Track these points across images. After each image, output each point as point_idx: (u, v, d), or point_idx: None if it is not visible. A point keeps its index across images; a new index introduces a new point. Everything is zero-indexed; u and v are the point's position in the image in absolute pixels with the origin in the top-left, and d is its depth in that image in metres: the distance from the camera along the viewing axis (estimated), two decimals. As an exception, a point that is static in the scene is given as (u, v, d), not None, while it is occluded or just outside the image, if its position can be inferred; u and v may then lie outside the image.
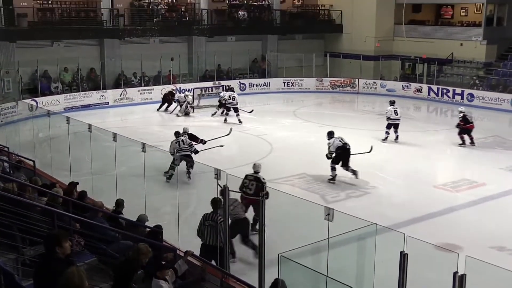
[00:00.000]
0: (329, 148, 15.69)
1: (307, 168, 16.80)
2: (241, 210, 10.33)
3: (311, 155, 18.54)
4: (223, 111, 23.47)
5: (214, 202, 9.37)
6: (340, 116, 25.18)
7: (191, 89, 26.71)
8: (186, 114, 24.32)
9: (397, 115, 19.94)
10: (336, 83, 31.68)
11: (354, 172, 15.50)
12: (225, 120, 22.99)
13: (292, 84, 31.47)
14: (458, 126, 19.78)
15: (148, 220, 9.62)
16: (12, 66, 24.56)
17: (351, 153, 15.51)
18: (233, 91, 23.70)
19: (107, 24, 27.15)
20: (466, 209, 13.93)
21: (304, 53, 32.25)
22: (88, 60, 26.97)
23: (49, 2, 26.42)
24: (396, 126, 19.98)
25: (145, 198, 11.22)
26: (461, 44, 30.86)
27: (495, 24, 31.45)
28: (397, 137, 20.08)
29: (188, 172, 14.83)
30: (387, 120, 20.09)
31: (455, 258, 6.22)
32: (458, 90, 28.42)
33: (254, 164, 12.27)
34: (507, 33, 31.44)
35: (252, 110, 23.92)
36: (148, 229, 9.26)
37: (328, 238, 7.32)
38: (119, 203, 10.00)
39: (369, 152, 16.33)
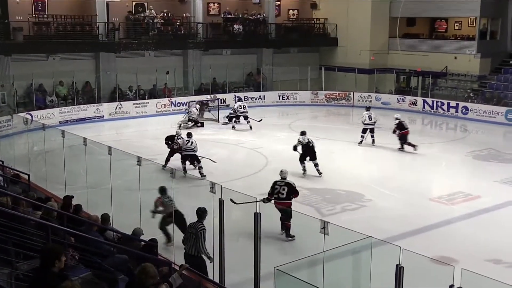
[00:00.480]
0: (298, 140, 17.69)
1: (302, 181, 16.79)
2: None
3: (307, 168, 18.55)
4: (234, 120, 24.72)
5: (199, 212, 9.61)
6: (335, 129, 25.23)
7: (194, 101, 26.78)
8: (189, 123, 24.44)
9: (371, 120, 21.23)
10: (331, 96, 31.77)
11: (319, 172, 17.32)
12: (233, 127, 24.35)
13: (287, 97, 31.55)
14: (394, 132, 20.68)
15: (143, 234, 9.59)
16: (7, 80, 24.56)
17: (315, 150, 17.52)
18: (242, 101, 25.79)
19: (103, 37, 27.20)
20: (462, 222, 13.94)
21: (299, 66, 32.36)
22: (84, 73, 26.98)
23: (45, 16, 26.49)
24: (372, 130, 21.27)
25: (140, 212, 11.19)
26: (455, 58, 31.04)
27: (488, 38, 31.68)
28: (373, 141, 21.29)
29: (200, 173, 16.48)
30: (363, 125, 21.31)
31: (451, 271, 6.22)
32: (453, 103, 28.54)
33: (281, 171, 12.98)
34: (501, 46, 31.71)
35: (261, 119, 25.20)
36: (143, 243, 9.22)
37: (323, 251, 7.32)
38: (105, 218, 9.90)
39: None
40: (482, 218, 14.20)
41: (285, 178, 12.76)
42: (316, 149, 17.54)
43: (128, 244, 9.00)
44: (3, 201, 8.32)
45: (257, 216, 8.15)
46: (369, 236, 7.37)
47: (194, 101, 26.20)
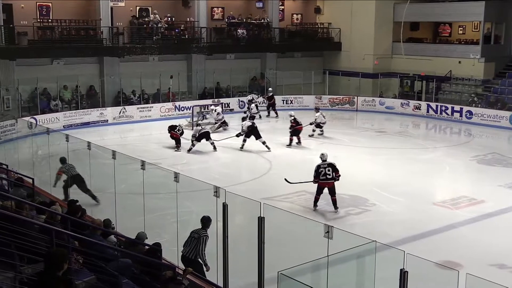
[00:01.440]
0: (242, 128, 21.21)
1: (306, 185, 16.74)
2: None
3: (311, 173, 18.49)
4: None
5: (203, 220, 9.77)
6: (339, 133, 25.18)
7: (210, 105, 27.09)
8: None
9: (325, 118, 23.87)
10: (335, 100, 31.75)
11: (267, 146, 20.81)
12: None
13: (291, 102, 31.54)
14: (291, 127, 22.03)
15: (147, 238, 9.58)
16: (11, 84, 24.64)
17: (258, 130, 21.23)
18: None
19: (107, 42, 27.27)
20: (466, 227, 13.90)
21: (303, 71, 32.35)
22: (88, 78, 27.06)
23: (49, 20, 26.59)
24: (321, 126, 23.70)
25: (144, 216, 11.20)
26: (459, 62, 30.99)
27: (492, 42, 31.62)
28: (322, 131, 23.88)
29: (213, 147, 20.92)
30: (320, 123, 23.61)
31: (456, 276, 6.20)
32: (457, 107, 28.49)
33: (322, 154, 14.76)
34: (505, 50, 31.68)
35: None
36: (147, 247, 9.21)
37: (327, 255, 7.30)
38: (107, 224, 9.89)
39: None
40: (486, 223, 14.16)
41: (326, 160, 14.44)
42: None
43: (132, 248, 8.99)
44: (7, 205, 8.33)
45: (261, 220, 8.15)
46: (373, 241, 7.35)
47: (213, 104, 26.58)
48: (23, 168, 15.97)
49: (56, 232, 6.98)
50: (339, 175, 14.30)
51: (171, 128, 21.68)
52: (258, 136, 21.23)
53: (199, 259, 9.53)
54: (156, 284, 7.90)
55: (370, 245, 7.43)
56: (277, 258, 9.45)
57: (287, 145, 21.95)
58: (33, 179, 12.88)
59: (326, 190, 14.48)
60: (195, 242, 9.54)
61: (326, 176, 14.17)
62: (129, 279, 7.72)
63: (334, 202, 14.35)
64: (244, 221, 12.38)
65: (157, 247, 9.12)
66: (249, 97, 28.60)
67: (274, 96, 29.51)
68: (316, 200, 14.54)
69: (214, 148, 21.09)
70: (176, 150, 21.16)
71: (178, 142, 21.40)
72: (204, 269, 9.49)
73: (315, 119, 23.66)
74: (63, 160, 14.61)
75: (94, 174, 14.39)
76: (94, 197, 14.20)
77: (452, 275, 6.17)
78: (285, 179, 15.11)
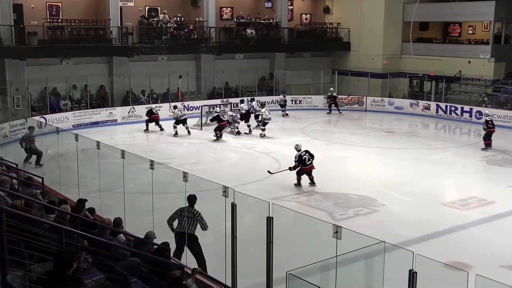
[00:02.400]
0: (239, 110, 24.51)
1: (315, 186, 16.76)
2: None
3: (319, 173, 18.50)
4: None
5: (190, 198, 10.80)
6: (348, 133, 25.16)
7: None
8: (238, 133, 24.32)
9: (270, 114, 24.25)
10: (344, 100, 31.69)
11: (250, 131, 23.92)
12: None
13: (300, 102, 31.52)
14: (147, 115, 24.11)
15: (156, 237, 9.60)
16: (21, 84, 24.76)
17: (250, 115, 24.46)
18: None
19: (116, 42, 27.36)
20: (476, 227, 13.83)
21: (312, 70, 32.35)
22: (97, 77, 27.15)
23: (59, 20, 26.70)
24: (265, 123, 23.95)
25: (153, 216, 11.22)
26: (469, 62, 30.86)
27: (503, 42, 31.48)
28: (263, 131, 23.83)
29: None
30: (264, 119, 23.73)
31: (465, 277, 6.17)
32: (467, 108, 28.37)
33: (297, 144, 16.85)
34: (515, 50, 31.48)
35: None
36: (155, 247, 9.23)
37: (336, 256, 7.29)
38: (117, 223, 9.91)
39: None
40: (496, 224, 14.09)
41: (301, 150, 16.57)
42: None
43: (141, 247, 9.01)
44: (17, 204, 8.37)
45: (269, 220, 8.14)
46: (382, 241, 7.33)
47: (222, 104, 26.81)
48: (33, 167, 16.06)
49: (65, 231, 7.01)
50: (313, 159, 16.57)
51: (150, 113, 24.31)
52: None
53: (195, 233, 10.61)
54: (164, 283, 7.92)
55: (379, 246, 7.41)
56: (285, 258, 9.45)
57: (214, 140, 22.73)
58: (42, 178, 12.95)
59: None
60: (191, 221, 10.60)
61: (309, 161, 16.38)
62: (138, 279, 7.74)
63: (312, 180, 16.57)
64: (252, 221, 12.37)
65: (165, 247, 9.14)
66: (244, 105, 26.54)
67: (337, 96, 30.37)
68: (299, 180, 16.54)
69: (188, 132, 23.88)
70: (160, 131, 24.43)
71: (158, 124, 24.51)
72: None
73: (261, 115, 23.91)
74: (31, 128, 18.90)
75: (103, 174, 14.42)
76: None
77: (461, 276, 6.14)
78: (268, 171, 16.77)
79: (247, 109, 25.36)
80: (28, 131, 19.27)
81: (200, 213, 10.68)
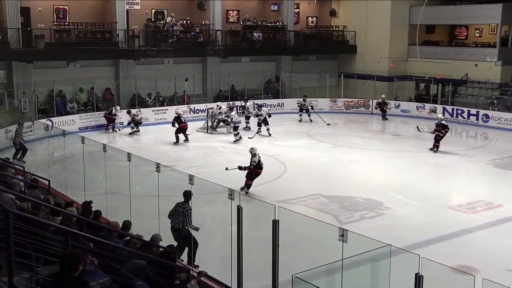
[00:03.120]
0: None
1: (321, 188, 16.75)
2: None
3: (325, 176, 18.52)
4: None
5: (186, 193, 11.07)
6: (354, 136, 25.12)
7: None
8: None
9: (239, 118, 24.03)
10: (350, 103, 31.66)
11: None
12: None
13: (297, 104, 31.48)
14: (173, 125, 22.96)
15: (161, 240, 9.61)
16: (28, 86, 24.86)
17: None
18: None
19: (123, 45, 27.44)
20: (482, 231, 13.78)
21: (318, 73, 32.33)
22: (103, 80, 27.23)
23: (66, 23, 26.81)
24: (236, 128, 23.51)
25: (159, 218, 11.24)
26: (476, 65, 30.77)
27: (510, 45, 31.32)
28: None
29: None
30: (234, 123, 23.38)
31: (472, 281, 6.15)
32: (473, 111, 28.28)
33: (252, 148, 16.42)
34: (522, 54, 31.36)
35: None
36: (161, 249, 9.24)
37: (342, 259, 7.27)
38: (126, 225, 9.94)
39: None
40: (503, 227, 14.03)
41: (256, 154, 16.28)
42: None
43: (147, 250, 9.02)
44: (23, 206, 8.39)
45: (275, 223, 8.13)
46: (388, 244, 7.31)
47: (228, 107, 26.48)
48: (39, 169, 16.12)
49: (72, 233, 7.03)
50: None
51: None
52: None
53: (187, 227, 10.96)
54: (169, 286, 7.92)
55: (385, 249, 7.40)
56: (291, 261, 9.43)
57: (174, 143, 22.71)
58: (49, 181, 12.99)
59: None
60: (182, 215, 10.94)
61: (261, 165, 16.27)
62: (143, 281, 7.74)
63: (248, 186, 16.22)
64: (258, 224, 12.36)
65: (171, 249, 9.15)
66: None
67: (387, 102, 29.65)
68: (249, 186, 16.07)
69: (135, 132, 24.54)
70: (109, 131, 24.99)
71: (111, 122, 24.94)
72: (193, 232, 10.89)
73: (231, 119, 23.57)
74: (20, 125, 19.77)
75: (109, 176, 14.45)
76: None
77: (468, 280, 6.12)
78: (226, 168, 16.47)
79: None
80: (18, 126, 19.99)
81: (190, 208, 10.96)
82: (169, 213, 11.26)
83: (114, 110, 25.20)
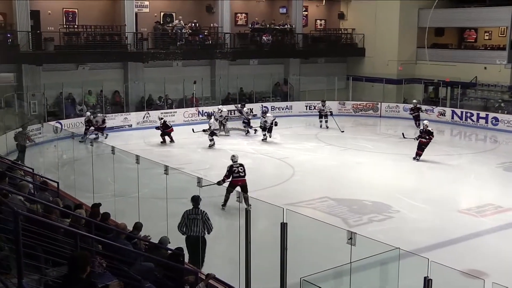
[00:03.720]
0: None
1: (329, 191, 16.72)
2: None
3: (333, 179, 18.49)
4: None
5: (194, 199, 10.84)
6: (363, 139, 25.06)
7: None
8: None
9: (217, 125, 24.26)
10: (358, 106, 31.61)
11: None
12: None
13: (315, 108, 31.38)
14: (158, 128, 23.68)
15: (170, 243, 9.62)
16: (38, 89, 25.01)
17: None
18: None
19: (131, 47, 27.52)
20: (492, 235, 13.70)
21: (326, 76, 32.27)
22: (112, 83, 27.33)
23: (75, 26, 26.94)
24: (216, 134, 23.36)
25: (167, 221, 11.25)
26: (485, 68, 30.63)
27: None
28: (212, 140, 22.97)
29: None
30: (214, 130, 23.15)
31: (481, 285, 6.11)
32: (482, 114, 28.16)
33: (234, 155, 15.56)
34: (532, 56, 31.21)
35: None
36: (169, 252, 9.25)
37: (350, 262, 7.26)
38: (137, 227, 9.96)
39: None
40: (513, 231, 13.94)
41: (237, 161, 15.38)
42: None
43: (155, 252, 9.04)
44: (33, 208, 8.43)
45: (283, 226, 8.13)
46: (397, 248, 7.29)
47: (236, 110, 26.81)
48: (48, 172, 16.18)
49: (80, 235, 7.05)
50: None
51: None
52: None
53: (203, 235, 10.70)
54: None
55: (394, 252, 7.37)
56: (299, 264, 9.42)
57: (161, 142, 23.47)
58: (58, 183, 13.04)
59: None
60: (200, 222, 10.62)
61: (239, 174, 15.08)
62: (152, 283, 7.75)
63: (246, 199, 14.29)
64: (266, 227, 12.35)
65: (179, 252, 9.16)
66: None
67: (420, 107, 28.14)
68: (227, 199, 14.66)
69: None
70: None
71: (170, 136, 23.76)
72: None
73: (210, 126, 22.87)
74: (24, 127, 19.68)
75: (118, 179, 14.49)
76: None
77: (477, 284, 6.09)
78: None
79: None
80: (22, 129, 19.86)
81: (206, 213, 10.76)
82: (179, 225, 10.86)
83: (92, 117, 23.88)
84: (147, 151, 21.03)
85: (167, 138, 23.59)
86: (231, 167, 15.18)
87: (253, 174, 19.15)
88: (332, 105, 31.15)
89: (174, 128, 24.33)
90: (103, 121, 24.21)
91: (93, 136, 23.25)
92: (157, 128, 23.92)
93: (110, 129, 25.57)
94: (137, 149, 20.04)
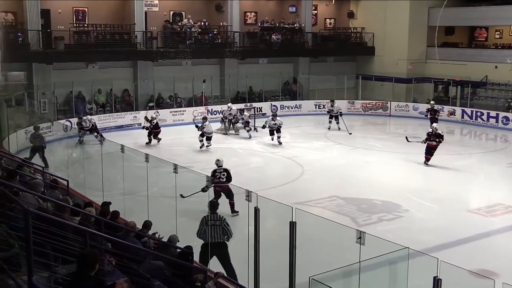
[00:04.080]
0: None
1: (338, 190, 16.70)
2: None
3: (342, 178, 18.45)
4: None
5: (212, 205, 10.73)
6: (372, 138, 25.00)
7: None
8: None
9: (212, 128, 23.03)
10: (368, 105, 31.54)
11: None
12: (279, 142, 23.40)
13: (324, 107, 31.27)
14: (145, 128, 23.14)
15: (178, 241, 9.64)
16: (48, 88, 25.13)
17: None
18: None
19: (141, 46, 27.59)
20: (502, 235, 13.63)
21: (336, 75, 32.22)
22: (122, 81, 27.42)
23: (85, 25, 27.05)
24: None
25: (176, 219, 11.27)
26: (496, 67, 30.46)
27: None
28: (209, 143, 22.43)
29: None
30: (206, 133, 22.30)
31: (492, 285, 6.09)
32: (493, 113, 28.01)
33: (218, 160, 15.12)
34: (543, 55, 31.01)
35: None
36: (179, 250, 9.27)
37: (359, 261, 7.24)
38: (147, 225, 9.99)
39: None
40: (523, 231, 13.87)
41: (222, 166, 14.91)
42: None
43: (164, 251, 9.05)
44: (43, 206, 8.46)
45: (292, 225, 8.12)
46: (406, 247, 7.26)
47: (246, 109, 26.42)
48: (58, 170, 16.26)
49: (90, 233, 7.08)
50: (230, 181, 14.60)
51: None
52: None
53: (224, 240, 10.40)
54: (186, 287, 7.94)
55: (403, 252, 7.35)
56: (308, 263, 9.41)
57: (146, 143, 22.87)
58: (67, 181, 13.09)
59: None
60: (220, 228, 10.26)
61: (219, 179, 14.60)
62: (161, 282, 7.77)
63: (232, 206, 14.10)
64: (275, 226, 12.35)
65: (188, 250, 9.17)
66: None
67: (437, 109, 26.41)
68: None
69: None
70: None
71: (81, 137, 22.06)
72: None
73: (203, 127, 22.16)
74: (37, 128, 19.17)
75: (127, 177, 14.54)
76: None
77: (487, 284, 6.06)
78: (181, 195, 13.76)
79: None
80: (34, 131, 19.29)
81: (225, 218, 10.48)
82: (198, 232, 10.44)
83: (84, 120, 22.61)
84: (156, 150, 21.09)
85: (153, 138, 23.01)
86: (214, 172, 14.68)
87: (262, 173, 19.22)
88: (342, 104, 31.06)
89: (183, 127, 24.36)
90: (90, 124, 22.66)
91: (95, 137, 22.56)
92: (145, 128, 23.13)
93: (119, 127, 25.67)
94: (146, 147, 20.10)
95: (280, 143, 23.06)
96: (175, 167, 11.27)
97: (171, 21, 29.59)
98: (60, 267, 6.82)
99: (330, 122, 26.89)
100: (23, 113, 23.27)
